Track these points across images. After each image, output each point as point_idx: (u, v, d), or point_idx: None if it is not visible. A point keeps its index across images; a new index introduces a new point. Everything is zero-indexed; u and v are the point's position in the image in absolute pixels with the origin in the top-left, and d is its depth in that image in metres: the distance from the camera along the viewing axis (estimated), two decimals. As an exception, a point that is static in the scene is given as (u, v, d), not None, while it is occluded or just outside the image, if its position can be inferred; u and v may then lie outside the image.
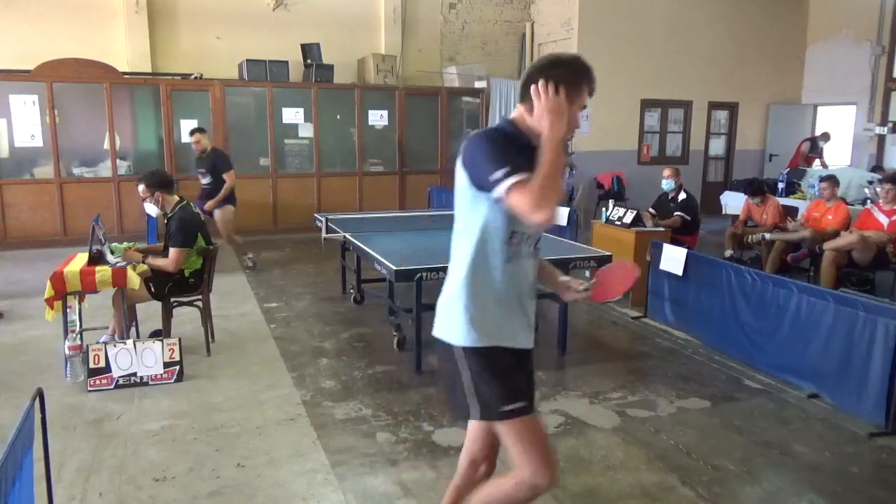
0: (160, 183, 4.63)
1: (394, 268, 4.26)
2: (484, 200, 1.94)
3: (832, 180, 7.03)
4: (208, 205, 7.13)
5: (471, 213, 2.00)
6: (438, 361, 2.16)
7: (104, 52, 9.27)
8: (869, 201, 7.23)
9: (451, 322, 2.02)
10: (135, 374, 4.16)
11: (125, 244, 4.72)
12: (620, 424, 3.72)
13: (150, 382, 4.17)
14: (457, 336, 1.99)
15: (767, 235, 7.09)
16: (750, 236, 7.33)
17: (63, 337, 4.28)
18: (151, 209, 4.64)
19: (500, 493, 2.08)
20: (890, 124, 11.39)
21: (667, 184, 6.95)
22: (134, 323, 4.83)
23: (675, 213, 6.75)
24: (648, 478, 3.14)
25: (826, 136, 11.63)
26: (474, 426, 2.21)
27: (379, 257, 4.56)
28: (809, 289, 4.23)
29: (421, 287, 4.34)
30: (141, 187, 4.61)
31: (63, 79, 8.65)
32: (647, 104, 11.90)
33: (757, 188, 7.64)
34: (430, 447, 3.43)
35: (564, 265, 4.73)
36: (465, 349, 1.99)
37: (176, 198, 4.69)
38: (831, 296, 4.03)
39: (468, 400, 2.02)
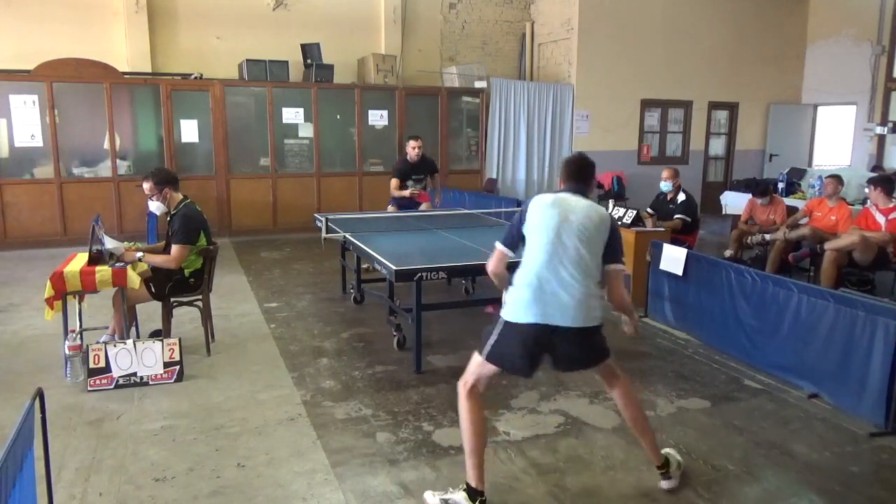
0: (168, 179, 4.62)
1: (394, 268, 4.25)
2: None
3: (837, 178, 7.03)
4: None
5: (595, 261, 2.98)
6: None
7: (104, 52, 9.27)
8: (868, 201, 7.23)
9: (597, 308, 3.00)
10: (135, 374, 4.16)
11: (125, 244, 4.72)
12: (620, 424, 3.72)
13: (150, 382, 4.18)
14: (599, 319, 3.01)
15: (768, 236, 7.09)
16: (749, 237, 7.33)
17: (63, 337, 4.29)
18: (157, 207, 4.62)
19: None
20: (890, 124, 11.39)
21: (665, 185, 6.95)
22: (134, 323, 4.82)
23: (676, 216, 6.74)
24: (648, 478, 3.14)
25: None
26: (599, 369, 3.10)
27: (379, 257, 4.56)
28: (809, 289, 4.23)
29: (421, 287, 4.33)
30: (147, 185, 4.56)
31: (63, 79, 8.65)
32: (647, 104, 11.91)
33: (764, 188, 7.64)
34: (430, 447, 3.43)
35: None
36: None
37: (180, 195, 4.68)
38: (831, 296, 4.03)
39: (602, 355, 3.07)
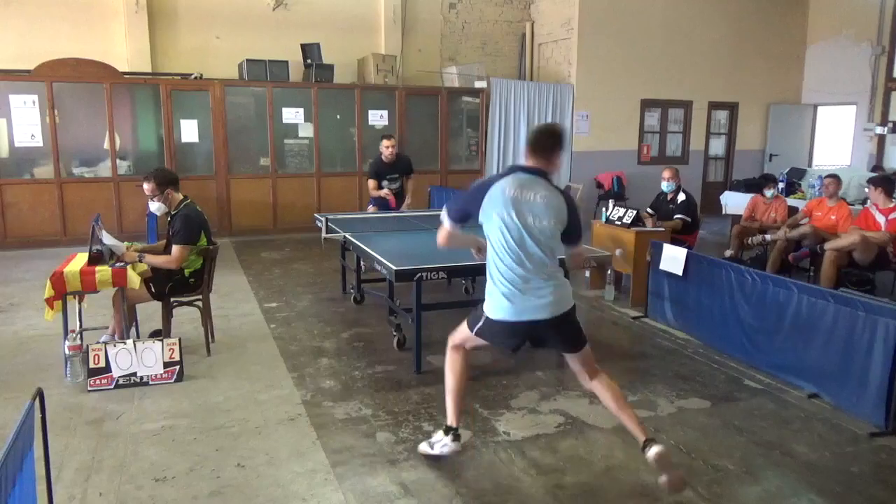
0: (169, 180, 4.62)
1: (394, 268, 4.25)
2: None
3: (837, 178, 7.03)
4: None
5: (559, 246, 3.08)
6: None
7: (104, 52, 9.28)
8: (868, 201, 7.24)
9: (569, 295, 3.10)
10: (135, 374, 4.16)
11: (125, 244, 4.71)
12: (620, 424, 3.70)
13: (150, 382, 4.17)
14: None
15: (768, 236, 7.09)
16: (750, 238, 7.33)
17: (63, 337, 4.29)
18: (158, 207, 4.62)
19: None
20: (890, 124, 11.39)
21: (667, 186, 6.94)
22: (134, 323, 4.82)
23: (676, 217, 6.74)
24: (648, 478, 3.13)
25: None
26: (575, 354, 3.15)
27: (379, 257, 4.56)
28: (809, 289, 4.23)
29: (421, 287, 4.33)
30: (149, 186, 4.54)
31: (63, 79, 8.65)
32: (647, 104, 11.91)
33: (773, 179, 7.66)
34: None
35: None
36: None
37: (180, 195, 4.68)
38: (831, 296, 4.03)
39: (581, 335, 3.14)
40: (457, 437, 3.24)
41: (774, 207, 7.52)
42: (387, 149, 7.24)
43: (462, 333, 3.23)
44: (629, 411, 3.10)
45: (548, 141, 3.05)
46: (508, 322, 3.01)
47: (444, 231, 3.14)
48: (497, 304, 3.02)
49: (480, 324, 3.11)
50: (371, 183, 7.32)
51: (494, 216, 2.98)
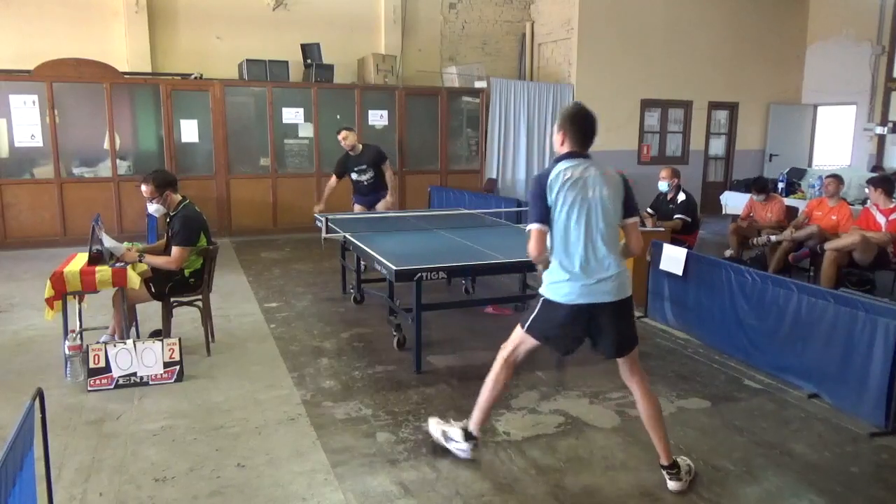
0: (167, 182, 4.61)
1: (394, 268, 4.25)
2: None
3: (837, 178, 7.03)
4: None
5: (618, 218, 3.03)
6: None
7: (104, 52, 9.28)
8: (868, 201, 7.24)
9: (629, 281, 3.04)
10: (135, 374, 4.16)
11: (125, 244, 4.72)
12: (620, 424, 3.72)
13: (150, 382, 4.17)
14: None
15: (773, 238, 7.08)
16: (755, 238, 7.33)
17: (63, 337, 4.29)
18: (157, 209, 4.62)
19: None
20: (890, 124, 11.39)
21: (663, 185, 6.94)
22: (134, 323, 4.82)
23: (676, 217, 6.74)
24: (648, 478, 3.13)
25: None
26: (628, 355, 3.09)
27: (379, 257, 4.56)
28: (809, 289, 4.23)
29: (421, 287, 4.33)
30: (147, 188, 4.53)
31: (63, 79, 8.66)
32: (647, 104, 11.91)
33: (762, 185, 7.65)
34: (430, 447, 3.42)
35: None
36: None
37: (179, 196, 4.68)
38: (831, 296, 4.03)
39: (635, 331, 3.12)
40: (476, 447, 3.28)
41: (770, 208, 7.53)
42: (343, 140, 7.15)
43: (513, 339, 3.15)
44: (660, 433, 3.08)
45: (592, 127, 3.01)
46: (570, 305, 2.92)
47: (535, 234, 2.95)
48: (558, 286, 2.94)
49: (535, 313, 3.02)
50: (332, 179, 7.32)
51: (559, 197, 2.90)
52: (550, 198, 2.92)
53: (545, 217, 2.94)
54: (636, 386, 3.11)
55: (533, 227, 2.95)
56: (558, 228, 2.95)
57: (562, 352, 3.23)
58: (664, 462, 3.06)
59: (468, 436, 3.25)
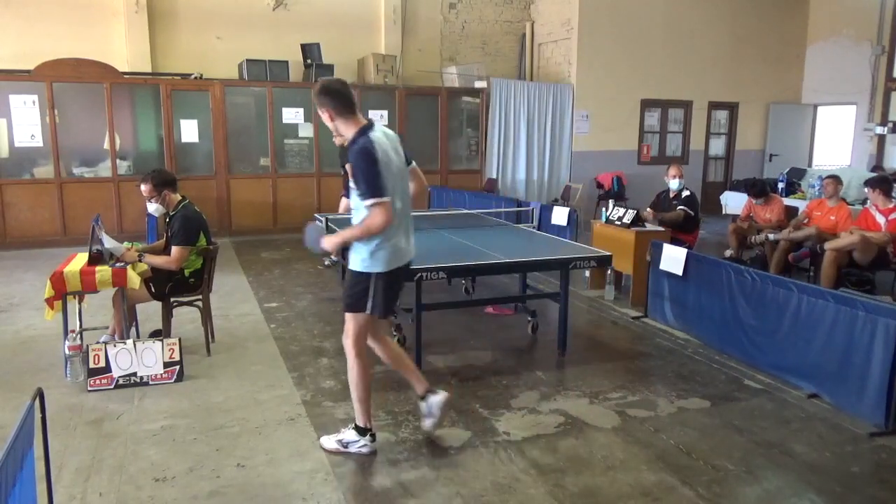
0: (166, 181, 4.61)
1: (394, 268, 4.24)
2: None
3: (836, 178, 7.04)
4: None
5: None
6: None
7: (104, 52, 9.28)
8: (868, 201, 7.25)
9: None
10: (135, 374, 4.16)
11: (125, 244, 4.72)
12: (620, 424, 3.72)
13: (150, 382, 4.18)
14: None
15: (771, 236, 7.09)
16: (753, 237, 7.33)
17: (63, 337, 4.29)
18: (156, 209, 4.62)
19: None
20: (890, 124, 11.39)
21: (674, 183, 6.92)
22: (134, 323, 4.82)
23: (679, 208, 6.74)
24: (648, 478, 3.14)
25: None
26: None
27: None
28: (809, 289, 4.23)
29: (421, 287, 4.33)
30: (146, 187, 4.54)
31: (63, 79, 8.65)
32: (647, 104, 11.91)
33: (760, 189, 7.64)
34: (430, 447, 3.43)
35: (564, 265, 4.74)
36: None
37: (178, 196, 4.68)
38: (831, 296, 4.03)
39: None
40: (374, 439, 3.38)
41: (770, 209, 7.52)
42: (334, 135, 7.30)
43: (361, 328, 3.25)
44: (409, 368, 3.50)
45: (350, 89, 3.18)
46: (400, 268, 3.22)
47: (386, 206, 3.01)
48: (394, 253, 3.16)
49: (378, 294, 3.17)
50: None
51: (387, 166, 3.07)
52: (382, 168, 3.04)
53: (386, 188, 3.04)
54: (380, 337, 3.42)
55: (384, 199, 3.00)
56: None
57: (388, 314, 3.40)
58: (421, 392, 3.48)
59: (362, 431, 3.33)
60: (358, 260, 3.17)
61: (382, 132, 3.18)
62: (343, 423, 3.69)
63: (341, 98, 3.11)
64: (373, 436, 3.35)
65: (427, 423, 3.49)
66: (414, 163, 3.40)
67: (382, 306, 3.22)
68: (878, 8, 11.39)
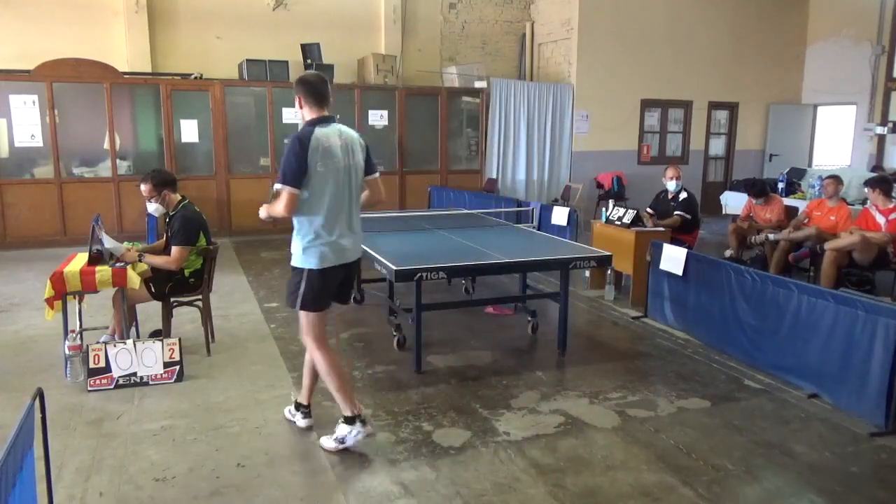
0: (166, 181, 4.61)
1: (394, 268, 4.25)
2: None
3: (836, 178, 7.04)
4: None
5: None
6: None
7: (104, 52, 9.28)
8: (868, 201, 7.25)
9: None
10: (135, 374, 4.16)
11: (125, 244, 4.71)
12: (620, 424, 3.72)
13: (150, 382, 4.18)
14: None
15: (772, 236, 7.09)
16: (753, 237, 7.33)
17: (63, 337, 4.29)
18: (156, 209, 4.62)
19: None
20: (890, 124, 11.40)
21: (672, 185, 6.91)
22: (134, 323, 4.82)
23: (676, 213, 6.74)
24: (648, 478, 3.14)
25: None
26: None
27: (379, 257, 4.56)
28: (809, 289, 4.23)
29: (421, 287, 4.33)
30: (146, 187, 4.54)
31: (63, 79, 8.65)
32: (647, 104, 11.91)
33: (760, 189, 7.64)
34: (430, 447, 3.43)
35: (564, 265, 4.74)
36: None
37: (178, 196, 4.68)
38: (831, 296, 4.03)
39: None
40: (365, 423, 3.38)
41: (770, 209, 7.53)
42: None
43: (316, 325, 3.30)
44: (312, 377, 3.50)
45: (328, 87, 3.24)
46: (337, 267, 3.25)
47: (289, 197, 3.11)
48: (329, 251, 3.22)
49: (311, 291, 3.22)
50: None
51: (323, 163, 3.12)
52: (313, 166, 3.10)
53: (301, 183, 3.11)
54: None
55: (289, 189, 3.10)
56: (317, 194, 3.14)
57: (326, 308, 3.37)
58: (304, 401, 3.58)
59: (351, 420, 3.33)
60: (293, 255, 3.31)
61: (337, 130, 3.23)
62: (343, 423, 3.69)
63: (312, 89, 3.21)
64: (363, 421, 3.35)
65: (325, 440, 3.40)
66: (378, 174, 3.47)
67: (311, 303, 3.27)
68: (878, 8, 11.39)
